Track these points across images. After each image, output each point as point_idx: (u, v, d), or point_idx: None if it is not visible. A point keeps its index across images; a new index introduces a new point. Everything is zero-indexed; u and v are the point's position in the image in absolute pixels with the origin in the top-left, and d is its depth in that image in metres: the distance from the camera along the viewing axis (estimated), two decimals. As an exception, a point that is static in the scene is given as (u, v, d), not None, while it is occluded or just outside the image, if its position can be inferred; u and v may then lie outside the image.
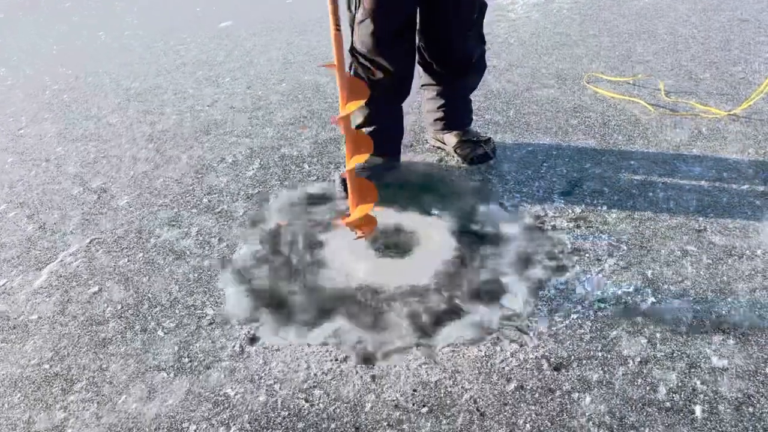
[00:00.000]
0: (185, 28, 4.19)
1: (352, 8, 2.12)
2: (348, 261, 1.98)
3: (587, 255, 1.96)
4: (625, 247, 1.98)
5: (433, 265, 1.94)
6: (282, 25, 4.15)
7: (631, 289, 1.82)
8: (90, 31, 4.27)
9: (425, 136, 2.64)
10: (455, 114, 2.47)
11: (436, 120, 2.50)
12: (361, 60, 2.19)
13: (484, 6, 2.24)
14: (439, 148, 2.57)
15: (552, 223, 2.10)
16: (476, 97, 2.66)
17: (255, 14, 4.33)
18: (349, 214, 1.97)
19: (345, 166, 1.89)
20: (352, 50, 2.21)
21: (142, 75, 3.47)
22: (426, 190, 2.32)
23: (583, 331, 1.69)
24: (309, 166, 2.52)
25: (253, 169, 2.52)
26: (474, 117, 2.64)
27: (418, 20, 2.21)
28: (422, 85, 2.49)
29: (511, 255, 1.97)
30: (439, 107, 2.46)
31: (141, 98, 3.20)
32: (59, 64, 3.69)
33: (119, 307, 1.85)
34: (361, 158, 1.87)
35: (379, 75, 2.18)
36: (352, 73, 2.26)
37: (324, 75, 3.36)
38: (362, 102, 1.81)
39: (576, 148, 2.54)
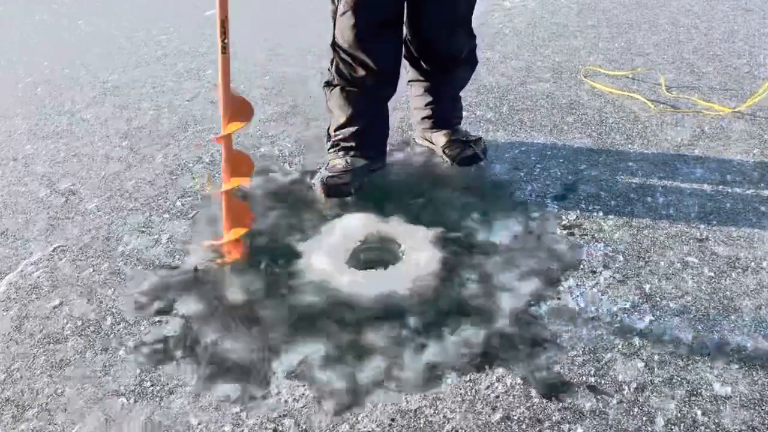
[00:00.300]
0: (169, 16, 4.03)
1: (334, 1, 1.98)
2: (324, 274, 1.85)
3: (581, 266, 1.83)
4: (621, 258, 1.86)
5: (416, 279, 1.82)
6: (270, 14, 3.99)
7: (627, 305, 1.70)
8: (70, 19, 4.10)
9: (413, 134, 2.51)
10: (444, 112, 2.34)
11: (423, 118, 2.37)
12: (342, 55, 2.05)
13: (473, 1, 2.10)
14: (426, 146, 2.44)
15: (544, 231, 1.97)
16: (468, 92, 2.53)
17: (242, 2, 4.17)
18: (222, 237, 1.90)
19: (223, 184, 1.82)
20: (333, 44, 2.07)
21: (120, 67, 3.32)
22: (411, 195, 2.19)
23: (575, 353, 1.57)
24: (290, 166, 2.39)
25: (230, 169, 2.38)
26: (465, 113, 2.51)
27: (405, 11, 2.07)
28: (409, 81, 2.35)
29: (500, 267, 1.85)
30: (426, 105, 2.33)
31: (118, 92, 3.06)
32: (35, 55, 3.54)
33: (80, 324, 1.73)
34: (241, 180, 1.81)
35: (362, 72, 2.05)
36: (333, 69, 2.12)
37: (310, 68, 3.21)
38: (245, 123, 1.72)
39: (571, 148, 2.41)
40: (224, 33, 1.59)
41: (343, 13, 1.94)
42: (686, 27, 3.38)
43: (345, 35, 1.99)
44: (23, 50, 3.64)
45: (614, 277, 1.79)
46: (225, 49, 1.61)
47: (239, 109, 1.74)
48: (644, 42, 3.25)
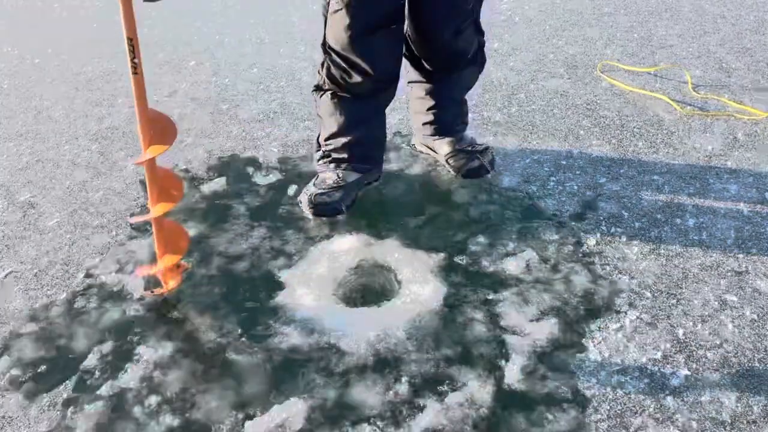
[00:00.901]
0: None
1: None
2: (309, 310, 1.62)
3: (604, 306, 1.60)
4: (649, 295, 1.62)
5: (414, 319, 1.59)
6: (259, -4, 3.71)
7: (658, 356, 1.47)
8: (45, 2, 3.83)
9: (412, 140, 2.26)
10: (447, 118, 2.09)
11: (424, 124, 2.11)
12: (335, 58, 1.79)
13: (483, -8, 1.84)
14: (427, 154, 2.19)
15: (561, 259, 1.73)
16: (474, 89, 2.26)
17: (230, -16, 3.88)
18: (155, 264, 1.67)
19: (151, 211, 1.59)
20: (324, 45, 1.82)
21: (96, 57, 3.06)
22: (410, 212, 1.95)
23: (599, 416, 1.35)
24: (274, 177, 2.14)
25: (208, 179, 2.14)
26: (470, 114, 2.25)
27: (406, 7, 1.81)
28: (409, 82, 2.09)
29: (510, 304, 1.61)
30: (428, 109, 2.07)
31: (91, 86, 2.80)
32: (4, 43, 3.28)
33: (26, 374, 1.50)
34: (170, 206, 1.58)
35: (357, 78, 1.79)
36: (323, 72, 1.87)
37: (301, 59, 2.95)
38: (167, 147, 1.50)
39: (589, 157, 2.16)
40: (133, 52, 1.38)
41: (336, 11, 1.68)
42: (712, 16, 3.10)
43: (338, 36, 1.73)
44: (-7, 37, 3.38)
45: (642, 319, 1.56)
46: (136, 69, 1.41)
47: (161, 130, 1.51)
48: (666, 33, 2.97)
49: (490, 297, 1.64)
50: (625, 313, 1.58)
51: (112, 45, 3.14)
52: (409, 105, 2.20)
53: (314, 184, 1.97)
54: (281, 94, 2.67)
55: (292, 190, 2.07)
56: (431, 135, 2.12)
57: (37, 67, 2.99)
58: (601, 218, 1.88)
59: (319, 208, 1.93)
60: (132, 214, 1.98)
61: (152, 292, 1.67)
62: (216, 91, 2.72)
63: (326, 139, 1.98)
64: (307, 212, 1.94)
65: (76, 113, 2.59)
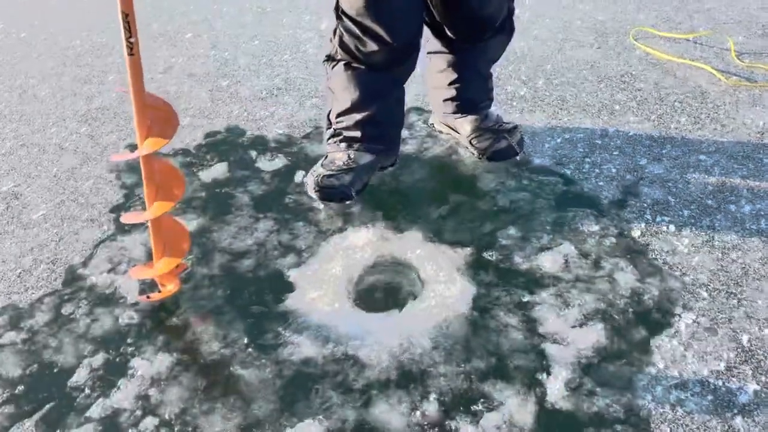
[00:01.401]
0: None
1: None
2: (322, 315, 1.45)
3: (655, 308, 1.42)
4: (706, 295, 1.44)
5: (440, 325, 1.41)
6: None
7: (721, 367, 1.29)
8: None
9: (430, 118, 2.06)
10: (471, 93, 1.88)
11: (446, 100, 1.91)
12: (348, 24, 1.59)
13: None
14: (448, 134, 2.00)
15: (602, 254, 1.54)
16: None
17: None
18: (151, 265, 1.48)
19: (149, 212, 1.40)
20: (337, 10, 1.61)
21: (85, 29, 2.84)
22: (431, 201, 1.77)
23: (657, 441, 1.18)
24: (280, 162, 1.95)
25: (208, 165, 1.95)
26: (494, 89, 2.04)
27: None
28: (429, 52, 1.88)
29: (549, 307, 1.43)
30: (450, 84, 1.86)
31: (80, 61, 2.60)
32: (-10, 15, 3.07)
33: (5, 392, 1.34)
34: (170, 205, 1.38)
35: (372, 46, 1.59)
36: (336, 41, 1.66)
37: (306, 30, 2.73)
38: (167, 141, 1.31)
39: (626, 135, 1.96)
40: (129, 30, 1.19)
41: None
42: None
43: (352, 0, 1.52)
44: (-24, 9, 3.16)
45: (699, 323, 1.38)
46: (132, 49, 1.21)
47: (160, 120, 1.31)
48: (701, -5, 2.73)
49: (526, 299, 1.45)
50: (680, 316, 1.40)
51: (104, 16, 2.92)
52: (426, 78, 1.99)
53: (322, 165, 1.79)
54: (285, 68, 2.46)
55: (299, 176, 1.88)
56: (453, 113, 1.92)
57: (23, 41, 2.78)
58: (645, 205, 1.69)
59: (326, 191, 1.74)
60: (127, 208, 1.80)
61: (148, 297, 1.49)
62: (215, 66, 2.51)
63: (338, 116, 1.78)
64: (313, 195, 1.75)
65: (64, 92, 2.39)
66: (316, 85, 2.32)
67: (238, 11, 2.94)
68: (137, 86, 1.26)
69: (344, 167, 1.75)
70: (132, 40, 1.21)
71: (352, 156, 1.77)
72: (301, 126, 2.12)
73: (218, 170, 1.94)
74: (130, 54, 1.23)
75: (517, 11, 2.70)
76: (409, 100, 2.14)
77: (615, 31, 2.53)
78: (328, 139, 1.84)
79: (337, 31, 1.64)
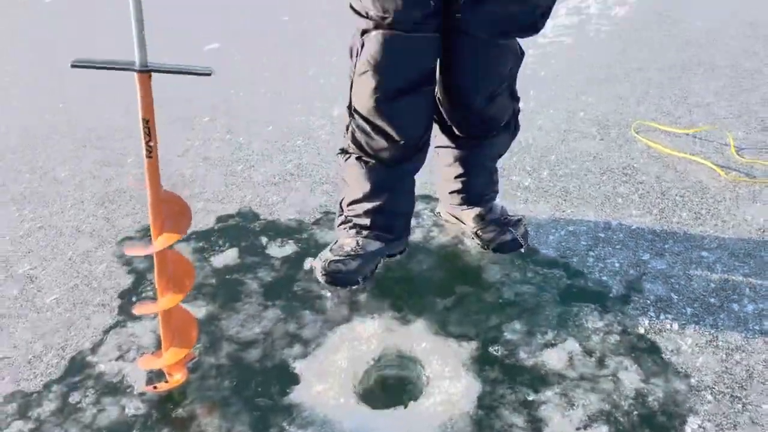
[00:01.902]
0: (166, 49, 3.67)
1: (353, 56, 1.59)
2: (327, 410, 1.45)
3: (660, 410, 1.42)
4: (711, 398, 1.44)
5: (444, 425, 1.41)
6: (275, 48, 3.62)
7: (728, 478, 1.28)
8: (57, 53, 3.76)
9: (438, 207, 2.11)
10: (477, 187, 1.94)
11: (452, 192, 1.97)
12: (360, 122, 1.66)
13: (521, 56, 1.71)
14: (454, 224, 2.04)
15: (607, 352, 1.56)
16: (501, 153, 2.14)
17: (246, 35, 3.81)
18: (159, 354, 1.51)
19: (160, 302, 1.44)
20: (350, 108, 1.69)
21: (107, 111, 2.96)
22: (437, 291, 1.79)
23: None
24: (290, 248, 2.00)
25: (219, 251, 2.00)
26: (499, 178, 2.10)
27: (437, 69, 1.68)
28: (437, 146, 1.95)
29: (555, 406, 1.44)
30: (456, 177, 1.93)
31: (101, 143, 2.69)
32: (13, 98, 3.19)
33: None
34: (181, 296, 1.43)
35: (383, 143, 1.66)
36: (348, 136, 1.74)
37: (319, 116, 2.83)
38: (180, 236, 1.36)
39: (629, 229, 2.00)
40: (149, 134, 1.26)
41: (363, 73, 1.56)
42: (749, 71, 2.96)
43: (363, 100, 1.60)
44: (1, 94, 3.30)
45: (705, 429, 1.37)
46: (150, 152, 1.28)
47: (174, 216, 1.37)
48: (702, 89, 2.83)
49: (531, 397, 1.46)
50: (686, 419, 1.39)
51: (126, 98, 3.04)
52: (434, 170, 2.06)
53: (331, 249, 1.83)
54: (297, 154, 2.55)
55: (308, 264, 1.92)
56: (459, 204, 1.97)
57: (46, 122, 2.90)
58: (648, 302, 1.71)
59: (333, 276, 1.78)
60: (138, 293, 1.84)
61: (155, 387, 1.51)
62: (230, 150, 2.60)
63: (349, 204, 1.84)
64: (320, 279, 1.79)
65: (83, 174, 2.47)
66: (328, 172, 2.40)
67: (254, 97, 3.06)
68: (154, 187, 1.32)
69: (352, 253, 1.80)
70: (151, 144, 1.28)
71: (360, 243, 1.81)
72: (312, 212, 2.18)
73: (229, 256, 1.98)
74: (149, 156, 1.29)
75: (523, 100, 2.81)
76: (417, 188, 2.20)
77: (617, 124, 2.61)
78: (339, 224, 1.89)
79: (350, 127, 1.72)
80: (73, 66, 1.25)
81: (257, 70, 3.33)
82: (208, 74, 1.24)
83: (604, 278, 1.80)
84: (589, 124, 2.63)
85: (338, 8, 1.53)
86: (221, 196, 2.30)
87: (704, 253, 1.88)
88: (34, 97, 3.16)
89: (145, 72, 1.24)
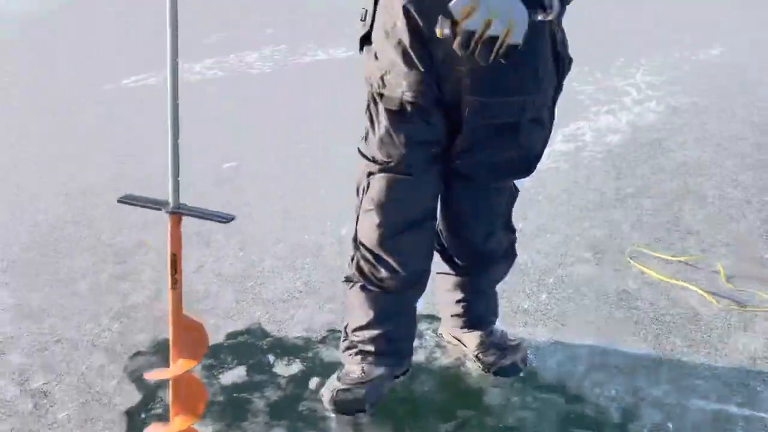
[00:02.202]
0: (186, 164, 3.89)
1: (360, 193, 1.75)
2: None
3: None
4: None
5: None
6: (289, 169, 3.84)
7: None
8: (81, 166, 3.99)
9: (440, 328, 2.19)
10: (477, 311, 2.04)
11: (453, 315, 2.07)
12: (365, 253, 1.79)
13: (516, 193, 1.87)
14: (456, 345, 2.12)
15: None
16: (501, 276, 2.25)
17: (263, 155, 4.05)
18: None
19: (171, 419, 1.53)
20: (355, 240, 1.82)
21: (127, 227, 3.12)
22: (439, 415, 1.85)
23: None
24: (296, 367, 2.07)
25: (228, 369, 2.07)
26: (499, 300, 2.20)
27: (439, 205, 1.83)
28: (438, 272, 2.07)
29: None
30: (457, 301, 2.03)
31: (119, 257, 2.83)
32: (39, 212, 3.37)
33: None
34: (193, 421, 1.51)
35: (386, 274, 1.78)
36: (353, 266, 1.85)
37: (328, 235, 2.98)
38: (196, 362, 1.49)
39: (625, 355, 2.08)
40: (174, 268, 1.38)
41: (368, 210, 1.70)
42: (737, 201, 3.12)
43: (368, 234, 1.73)
44: (25, 205, 3.48)
45: None
46: (175, 284, 1.40)
47: (192, 343, 1.47)
48: (692, 218, 2.98)
49: None
50: None
51: (144, 215, 3.21)
52: (436, 293, 2.16)
53: (338, 378, 1.90)
54: (306, 272, 2.67)
55: (314, 383, 1.99)
56: (460, 327, 2.06)
57: (69, 237, 3.05)
58: (645, 429, 1.76)
59: (341, 405, 1.85)
60: (147, 410, 1.89)
61: None
62: (242, 267, 2.73)
63: (354, 330, 1.93)
64: (328, 407, 1.85)
65: (101, 288, 2.58)
66: (335, 290, 2.50)
67: (267, 215, 3.23)
68: (177, 315, 1.42)
69: (359, 380, 1.87)
70: (176, 276, 1.39)
71: (365, 369, 1.89)
72: (319, 330, 2.26)
73: (237, 374, 2.05)
74: (173, 288, 1.41)
75: (520, 224, 2.96)
76: (419, 309, 2.31)
77: (611, 249, 2.74)
78: (345, 350, 1.97)
79: (355, 257, 1.84)
80: (119, 202, 1.39)
81: (272, 189, 3.52)
82: (229, 221, 1.38)
83: (602, 404, 1.86)
84: (585, 248, 2.76)
85: (350, 137, 1.69)
86: (232, 312, 2.40)
87: (698, 381, 1.94)
88: (59, 214, 3.33)
89: (176, 214, 1.37)
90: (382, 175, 1.65)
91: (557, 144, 4.01)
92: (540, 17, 1.37)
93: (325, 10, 7.73)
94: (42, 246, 2.96)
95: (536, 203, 3.21)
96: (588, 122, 4.40)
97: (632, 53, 6.22)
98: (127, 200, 1.41)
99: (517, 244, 2.55)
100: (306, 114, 4.81)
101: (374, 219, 1.71)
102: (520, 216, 3.00)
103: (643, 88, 5.13)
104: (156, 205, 1.44)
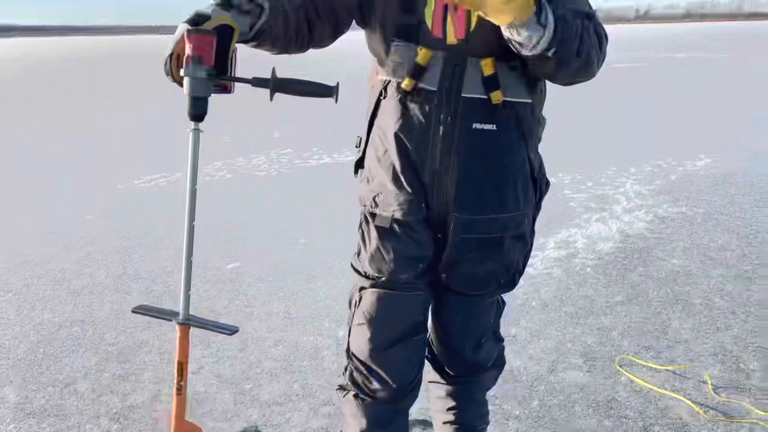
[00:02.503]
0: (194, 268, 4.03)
1: (352, 306, 1.85)
2: None
3: None
4: None
5: None
6: (290, 269, 3.97)
7: None
8: (90, 266, 4.13)
9: (431, 431, 2.23)
10: (468, 419, 2.08)
11: (445, 423, 2.11)
12: (357, 364, 1.87)
13: (503, 306, 1.98)
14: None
15: None
16: (493, 382, 2.31)
17: (265, 256, 4.19)
18: None
19: None
20: (348, 351, 1.91)
21: (130, 327, 3.20)
22: None
23: None
24: (291, 473, 2.10)
25: (224, 472, 2.10)
26: (490, 405, 2.25)
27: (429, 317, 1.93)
28: (430, 381, 2.14)
29: None
30: (448, 409, 2.09)
31: (121, 357, 2.90)
32: (45, 310, 3.47)
33: None
34: None
35: (377, 386, 1.85)
36: (347, 376, 1.93)
37: (326, 336, 3.06)
38: None
39: (615, 466, 2.10)
40: (181, 375, 1.48)
41: (359, 324, 1.80)
42: (723, 311, 3.22)
43: (360, 347, 1.82)
44: (33, 302, 3.59)
45: None
46: (180, 391, 1.49)
47: None
48: (680, 326, 3.07)
49: None
50: None
51: (145, 318, 3.31)
52: (429, 398, 2.22)
53: None
54: (303, 374, 2.72)
55: (307, 489, 2.01)
56: (452, 434, 2.11)
57: (73, 335, 3.13)
58: None
59: None
60: None
61: None
62: (241, 368, 2.79)
63: (348, 437, 1.98)
64: None
65: (102, 388, 2.64)
66: (331, 393, 2.55)
67: (267, 315, 3.32)
68: (179, 422, 1.50)
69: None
70: (182, 383, 1.48)
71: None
72: (314, 431, 2.30)
73: (232, 478, 2.08)
74: (178, 394, 1.49)
75: (513, 330, 3.05)
76: (413, 413, 2.35)
77: (602, 356, 2.81)
78: (340, 456, 2.01)
79: (348, 368, 1.91)
80: (133, 312, 1.50)
81: (272, 290, 3.63)
82: (234, 333, 1.49)
83: None
84: (576, 355, 2.82)
85: (351, 239, 1.81)
86: (230, 414, 2.44)
87: (686, 494, 1.96)
88: (65, 312, 3.43)
89: (186, 325, 1.49)
90: (373, 290, 1.76)
91: (550, 250, 4.16)
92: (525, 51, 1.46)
93: (330, 116, 8.13)
94: (47, 344, 3.04)
95: (530, 309, 3.31)
96: (580, 229, 4.57)
97: (622, 162, 6.52)
98: (141, 311, 1.52)
99: (510, 350, 2.64)
100: (308, 216, 5.01)
101: (365, 333, 1.80)
102: (513, 321, 3.11)
103: (632, 197, 5.36)
104: (167, 316, 1.55)
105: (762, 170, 6.08)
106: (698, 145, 7.32)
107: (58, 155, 7.82)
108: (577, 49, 1.49)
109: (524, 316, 3.21)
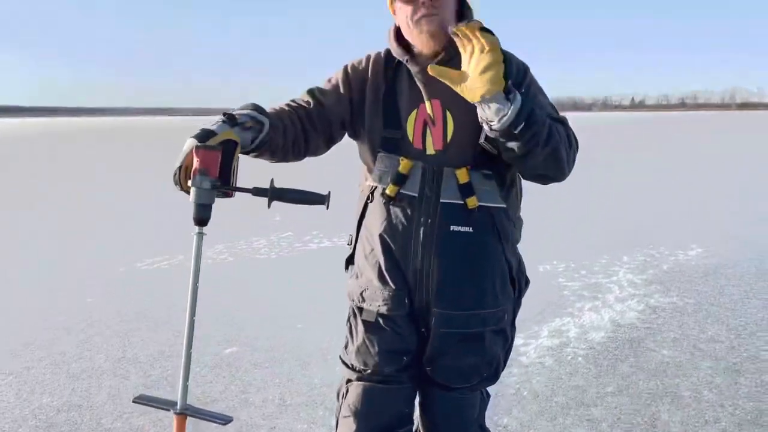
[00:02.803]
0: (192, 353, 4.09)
1: (339, 398, 1.94)
2: None
3: None
4: None
5: None
6: (287, 355, 4.03)
7: None
8: (92, 349, 4.19)
9: None
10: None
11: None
12: (345, 436, 1.94)
13: (487, 398, 2.06)
14: None
15: None
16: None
17: (262, 341, 4.26)
18: None
19: None
20: (337, 422, 1.98)
21: (127, 412, 3.25)
22: None
23: None
24: None
25: None
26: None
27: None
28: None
29: None
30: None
31: (118, 443, 2.93)
32: (45, 393, 3.52)
33: None
34: None
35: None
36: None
37: (319, 425, 3.10)
38: None
39: None
40: None
41: (346, 417, 1.89)
42: (711, 403, 3.26)
43: (347, 438, 1.90)
44: (32, 386, 3.64)
45: None
46: None
47: None
48: (669, 418, 3.11)
49: None
50: None
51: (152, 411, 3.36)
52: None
53: None
54: (297, 463, 2.76)
55: None
56: None
57: (71, 420, 3.17)
58: None
59: None
60: None
61: None
62: (235, 457, 2.82)
63: None
64: None
65: (96, 474, 2.67)
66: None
67: (262, 401, 3.37)
68: None
69: None
70: None
71: None
72: None
73: None
74: None
75: (505, 420, 3.09)
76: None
77: (591, 449, 2.84)
78: None
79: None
80: (134, 402, 1.60)
81: (268, 376, 3.68)
82: (228, 422, 1.58)
83: None
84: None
85: (345, 323, 1.91)
86: (221, 505, 2.46)
87: None
88: (64, 397, 3.48)
89: (182, 415, 1.58)
90: (359, 383, 1.86)
91: (544, 339, 4.23)
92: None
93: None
94: (46, 429, 3.08)
95: (522, 399, 3.35)
96: (573, 318, 4.65)
97: (615, 251, 6.67)
98: (141, 401, 1.62)
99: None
100: (306, 300, 5.11)
101: (351, 426, 1.88)
102: (505, 411, 3.16)
103: (625, 286, 5.47)
104: (165, 406, 1.64)
105: (751, 261, 6.22)
106: (689, 234, 7.49)
107: (60, 236, 8.00)
108: (546, 138, 1.62)
109: (516, 406, 3.25)
